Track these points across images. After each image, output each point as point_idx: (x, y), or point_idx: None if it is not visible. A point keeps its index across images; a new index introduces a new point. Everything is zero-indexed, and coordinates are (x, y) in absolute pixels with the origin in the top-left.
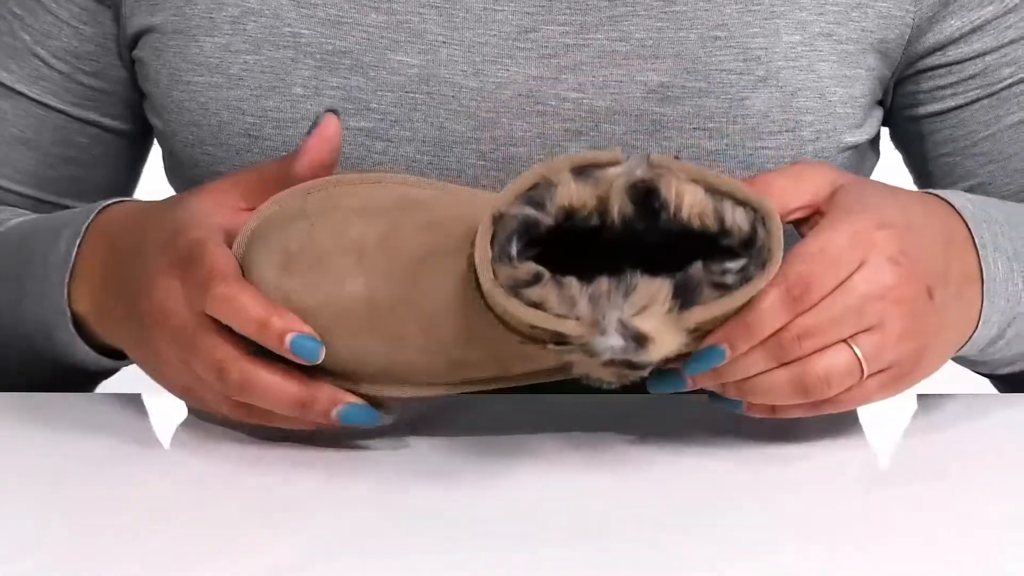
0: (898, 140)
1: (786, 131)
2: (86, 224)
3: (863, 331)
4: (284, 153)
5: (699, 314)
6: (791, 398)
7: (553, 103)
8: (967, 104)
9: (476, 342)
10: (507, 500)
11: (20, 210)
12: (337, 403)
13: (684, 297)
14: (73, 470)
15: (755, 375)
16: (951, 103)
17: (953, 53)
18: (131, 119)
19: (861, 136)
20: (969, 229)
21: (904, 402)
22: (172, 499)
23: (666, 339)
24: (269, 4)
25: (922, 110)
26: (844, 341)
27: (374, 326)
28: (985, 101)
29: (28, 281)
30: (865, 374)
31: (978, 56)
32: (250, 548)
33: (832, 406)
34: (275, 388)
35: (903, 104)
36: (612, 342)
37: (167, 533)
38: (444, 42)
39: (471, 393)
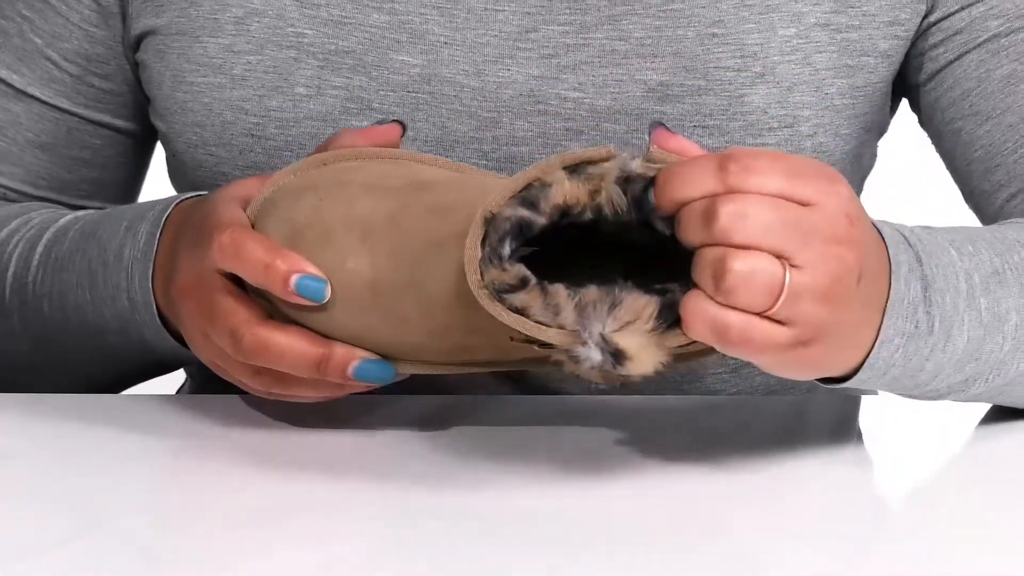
0: (922, 123)
1: (785, 127)
2: (165, 218)
3: (793, 265)
4: (287, 153)
5: (681, 337)
6: (705, 282)
7: (554, 103)
8: (956, 59)
9: (477, 330)
10: (505, 502)
11: (54, 206)
12: (353, 359)
13: (669, 317)
14: (80, 470)
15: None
16: (942, 61)
17: (940, 10)
18: (141, 119)
19: (863, 124)
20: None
21: (903, 410)
22: (173, 499)
23: (645, 357)
24: (273, 5)
25: (921, 76)
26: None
27: (377, 305)
28: (974, 54)
29: (100, 275)
30: (778, 304)
31: (963, 9)
32: (251, 549)
33: (733, 340)
34: (290, 349)
35: (902, 76)
36: (591, 355)
37: (167, 534)
38: (446, 42)
39: (472, 374)
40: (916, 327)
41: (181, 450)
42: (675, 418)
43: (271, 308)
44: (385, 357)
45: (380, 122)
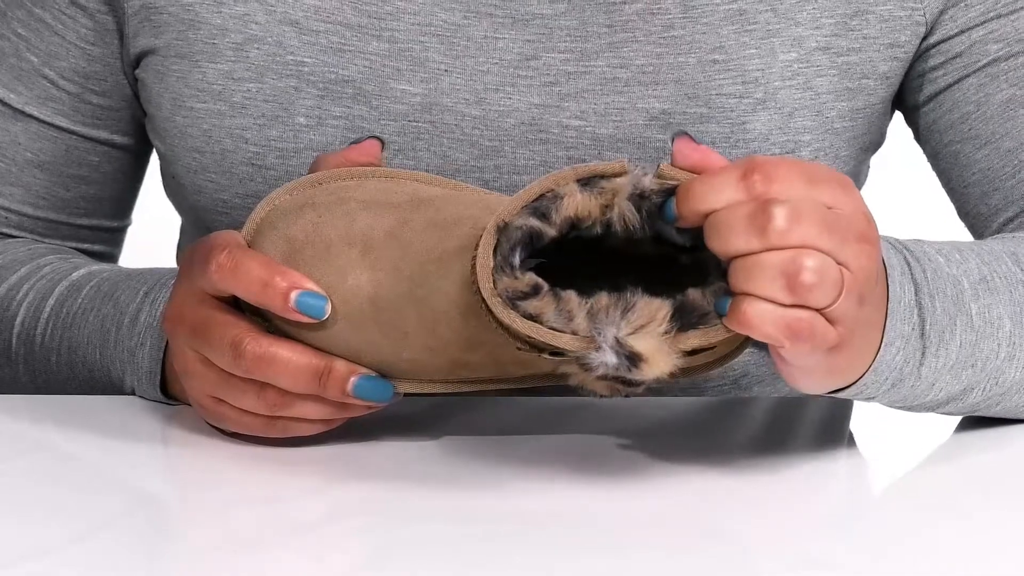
0: (918, 141)
1: (786, 152)
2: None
3: (839, 263)
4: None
5: (696, 338)
6: (771, 283)
7: (556, 131)
8: (956, 83)
9: (477, 345)
10: (505, 503)
11: (62, 251)
12: (353, 373)
13: (683, 320)
14: (81, 472)
15: (744, 255)
16: (941, 83)
17: (939, 32)
18: (138, 134)
19: (861, 144)
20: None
21: (900, 413)
22: (173, 502)
23: (660, 360)
24: (272, 31)
25: (919, 96)
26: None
27: (378, 321)
28: (973, 78)
29: (113, 336)
30: (840, 298)
31: (963, 32)
32: (251, 551)
33: (804, 336)
34: (293, 360)
35: (900, 95)
36: (606, 359)
37: (167, 536)
38: (446, 70)
39: (469, 393)
40: (912, 329)
41: (182, 452)
42: (674, 418)
43: (269, 328)
44: (383, 376)
45: (357, 140)
